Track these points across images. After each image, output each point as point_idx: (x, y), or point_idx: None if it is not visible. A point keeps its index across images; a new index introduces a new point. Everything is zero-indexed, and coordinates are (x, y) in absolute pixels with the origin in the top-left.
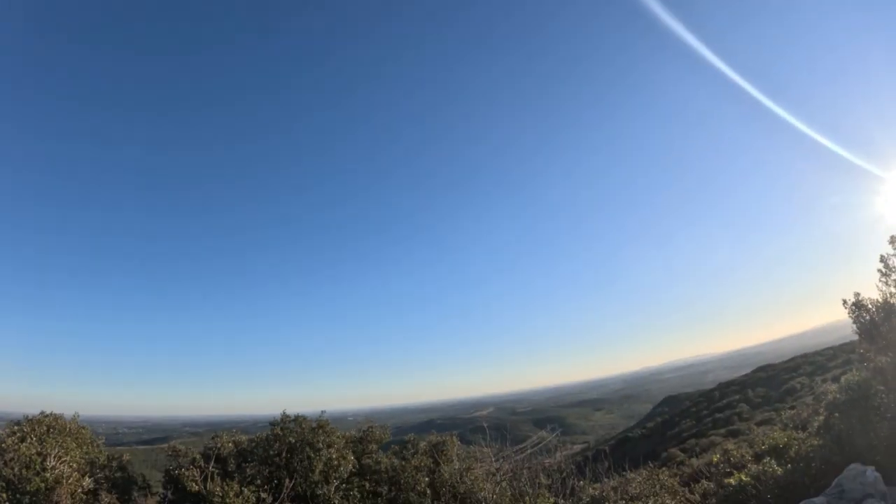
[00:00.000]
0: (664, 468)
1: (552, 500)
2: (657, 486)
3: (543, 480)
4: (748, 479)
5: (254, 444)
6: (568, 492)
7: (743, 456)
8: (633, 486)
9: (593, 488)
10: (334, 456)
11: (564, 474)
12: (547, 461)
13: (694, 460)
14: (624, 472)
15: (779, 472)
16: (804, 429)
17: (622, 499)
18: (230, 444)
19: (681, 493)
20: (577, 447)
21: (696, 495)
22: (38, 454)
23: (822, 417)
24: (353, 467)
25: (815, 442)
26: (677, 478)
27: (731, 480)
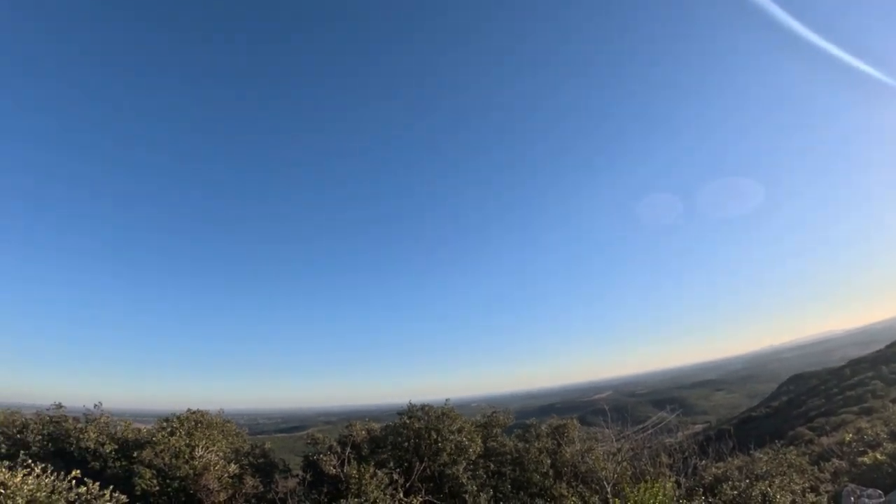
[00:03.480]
0: (791, 447)
1: (674, 479)
2: (784, 465)
3: (665, 460)
4: (884, 457)
5: (385, 432)
6: (690, 471)
7: (878, 434)
8: (759, 465)
9: (716, 467)
10: (464, 439)
11: (686, 454)
12: (667, 441)
13: (824, 439)
14: (749, 452)
15: None
16: None
17: (747, 478)
18: (363, 432)
19: (810, 472)
20: (698, 427)
21: (827, 474)
22: (187, 445)
23: None
24: (479, 450)
25: None
26: (806, 457)
27: (866, 459)
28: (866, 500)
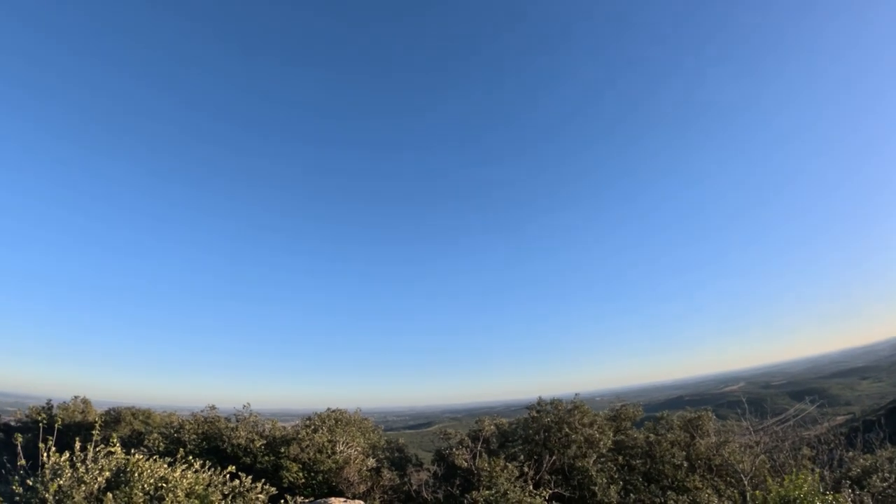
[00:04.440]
0: None
1: (818, 471)
2: None
3: (807, 452)
4: None
5: (513, 426)
6: (835, 463)
7: None
8: None
9: (864, 459)
10: (594, 433)
11: (831, 446)
12: (808, 433)
13: None
14: None
15: None
16: None
17: None
18: (492, 427)
19: None
20: (841, 418)
21: None
22: (329, 441)
23: None
24: (610, 443)
25: None
26: None
27: None
28: None
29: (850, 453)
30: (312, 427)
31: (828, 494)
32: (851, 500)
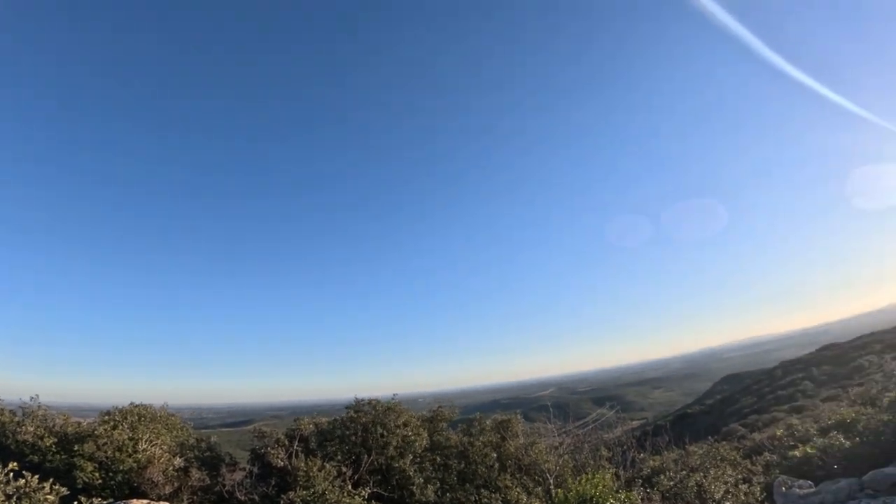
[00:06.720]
0: (725, 442)
1: (613, 470)
2: (717, 459)
3: (605, 453)
4: (813, 450)
5: (333, 426)
6: (628, 463)
7: (808, 430)
8: (694, 458)
9: (653, 460)
10: (410, 433)
11: (625, 447)
12: (607, 436)
13: (756, 434)
14: (684, 446)
15: (846, 445)
16: (873, 405)
17: (682, 470)
18: (311, 426)
19: (742, 465)
20: (636, 423)
21: (759, 467)
22: (130, 439)
23: (893, 394)
24: (426, 443)
25: (886, 417)
26: (738, 451)
27: (796, 453)
28: (797, 490)
29: (642, 455)
30: (112, 423)
31: (621, 492)
32: (641, 498)
